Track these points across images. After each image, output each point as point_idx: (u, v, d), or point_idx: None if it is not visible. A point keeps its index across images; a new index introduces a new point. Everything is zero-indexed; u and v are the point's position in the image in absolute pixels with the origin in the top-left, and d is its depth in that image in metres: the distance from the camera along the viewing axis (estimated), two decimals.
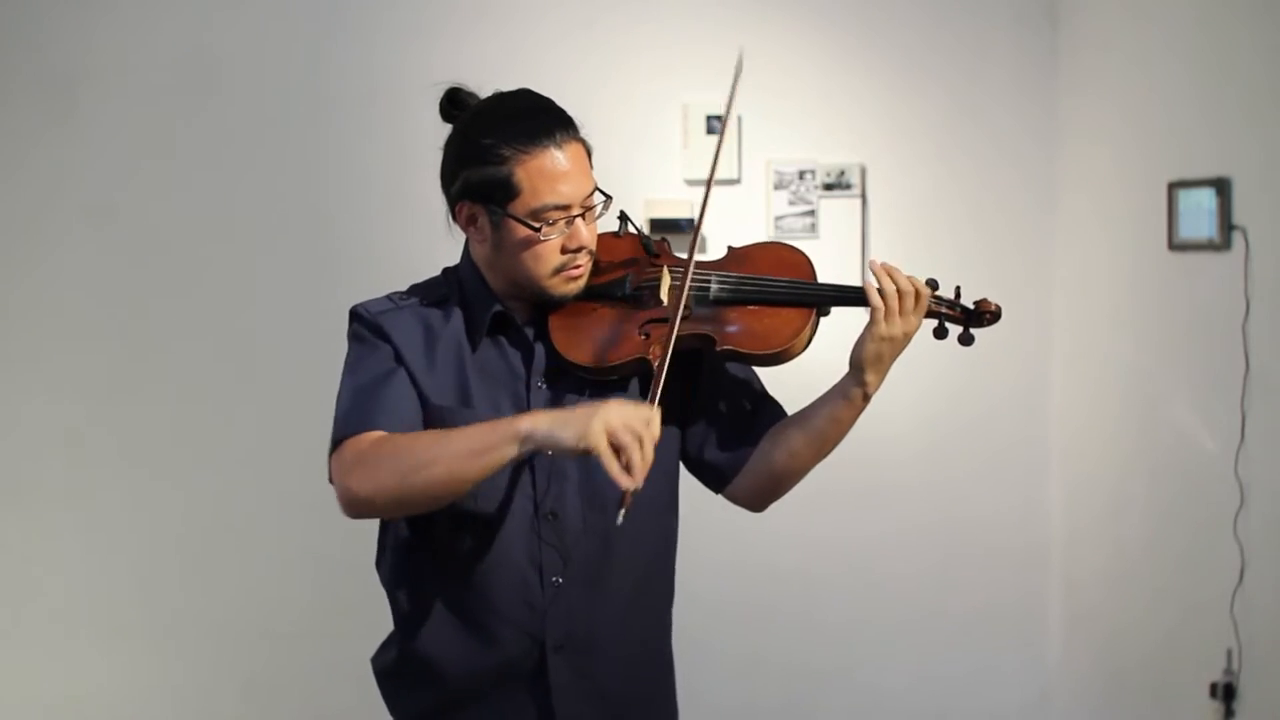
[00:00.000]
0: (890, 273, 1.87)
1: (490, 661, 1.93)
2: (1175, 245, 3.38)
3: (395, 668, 2.00)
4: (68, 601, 3.82)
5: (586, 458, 1.84)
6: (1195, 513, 3.37)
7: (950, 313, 1.94)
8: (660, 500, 1.99)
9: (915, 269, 3.98)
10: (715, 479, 2.03)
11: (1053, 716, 3.98)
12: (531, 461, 1.89)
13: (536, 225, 1.84)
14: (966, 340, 1.95)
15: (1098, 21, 3.74)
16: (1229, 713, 3.25)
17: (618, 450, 1.67)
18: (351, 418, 1.85)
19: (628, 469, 1.67)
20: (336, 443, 1.85)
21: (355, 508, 1.81)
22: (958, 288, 1.97)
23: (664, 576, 2.05)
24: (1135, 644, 3.63)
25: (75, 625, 3.83)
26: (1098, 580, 3.80)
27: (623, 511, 1.71)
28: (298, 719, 3.87)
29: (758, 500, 2.03)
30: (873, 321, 1.86)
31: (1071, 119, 3.84)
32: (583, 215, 1.87)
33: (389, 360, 1.90)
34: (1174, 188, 3.36)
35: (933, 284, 1.93)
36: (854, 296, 1.89)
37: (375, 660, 2.05)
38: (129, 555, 3.81)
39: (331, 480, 1.85)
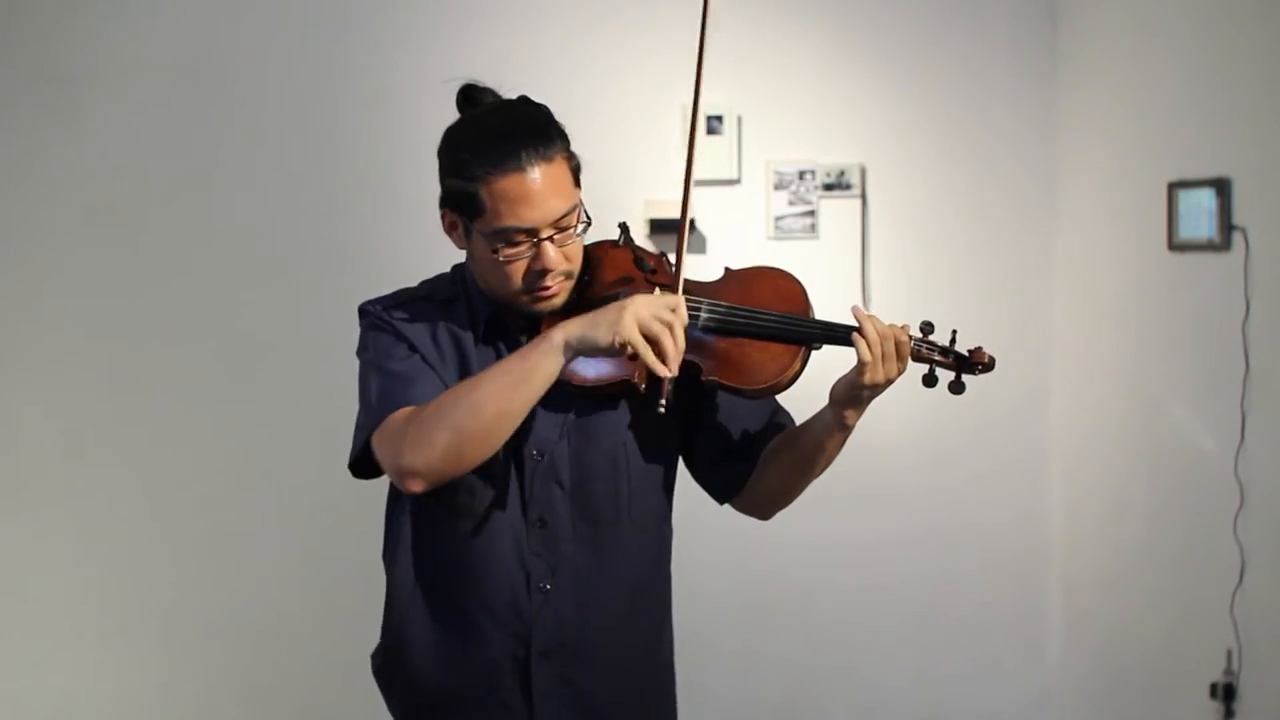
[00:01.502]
0: (871, 319, 1.85)
1: (476, 664, 1.94)
2: (1175, 245, 3.38)
3: (385, 664, 2.02)
4: (67, 602, 3.82)
5: (581, 465, 1.88)
6: (1195, 513, 3.37)
7: (942, 360, 1.91)
8: (654, 512, 2.01)
9: (914, 269, 4.03)
10: (719, 491, 2.05)
11: (1052, 717, 3.98)
12: (521, 464, 1.90)
13: (497, 246, 1.83)
14: (957, 389, 1.92)
15: (1098, 21, 3.74)
16: (1229, 713, 3.25)
17: (651, 341, 1.71)
18: (386, 398, 1.85)
19: (663, 359, 1.71)
20: (375, 425, 1.84)
21: (417, 479, 1.79)
22: (954, 332, 1.93)
23: (659, 587, 2.05)
24: (1135, 644, 3.63)
25: (75, 625, 3.82)
26: (1097, 580, 3.80)
27: (663, 401, 1.74)
28: (297, 719, 3.88)
29: (761, 511, 2.05)
30: (857, 371, 1.84)
31: (1071, 119, 3.84)
32: (551, 238, 1.84)
33: (404, 346, 1.91)
34: (1174, 188, 3.36)
35: (927, 327, 1.92)
36: (843, 337, 1.86)
37: (373, 658, 2.06)
38: (128, 555, 3.81)
39: (361, 470, 1.89)
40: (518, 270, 1.85)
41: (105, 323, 3.78)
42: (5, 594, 3.81)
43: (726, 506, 2.09)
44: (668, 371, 1.71)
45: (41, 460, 3.79)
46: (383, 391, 1.86)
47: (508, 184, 1.81)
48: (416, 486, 1.79)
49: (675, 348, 1.72)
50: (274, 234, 3.80)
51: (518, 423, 1.78)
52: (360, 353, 1.95)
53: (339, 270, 3.76)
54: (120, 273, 3.77)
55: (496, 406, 1.75)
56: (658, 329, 1.71)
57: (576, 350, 1.74)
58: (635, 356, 1.82)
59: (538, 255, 1.84)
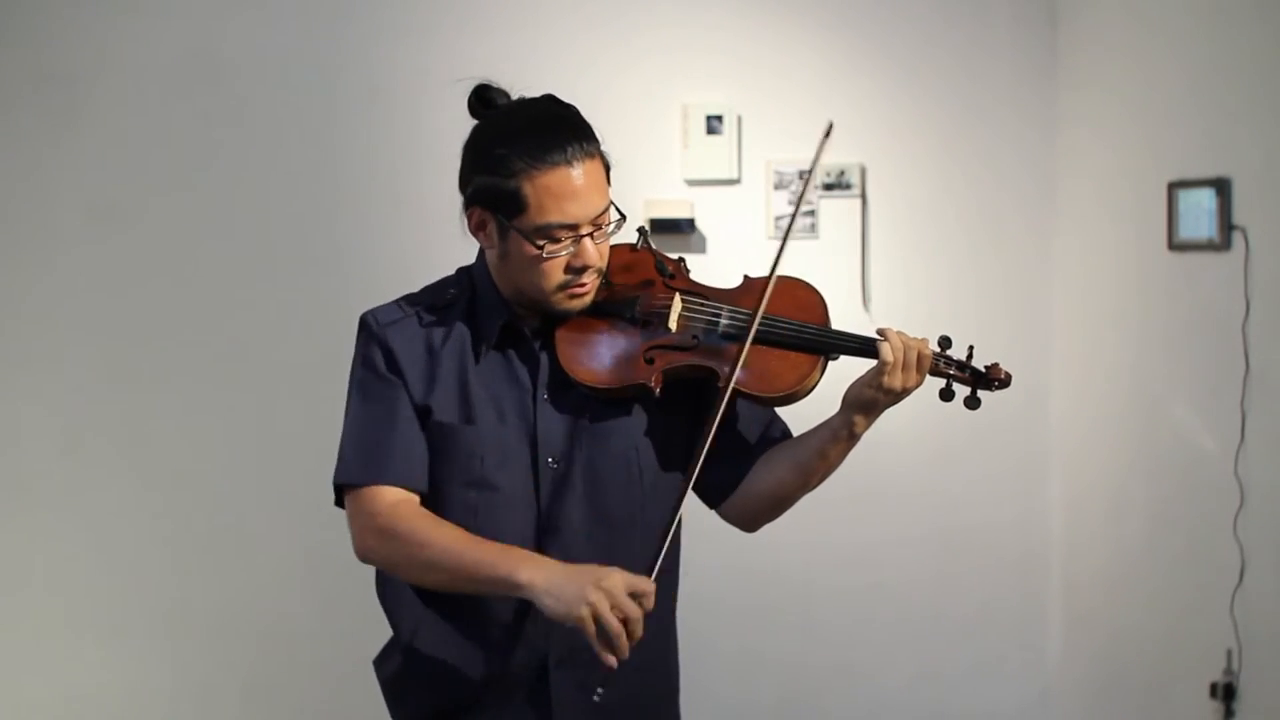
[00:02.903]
0: (899, 333, 1.87)
1: (491, 673, 1.93)
2: (1175, 245, 3.38)
3: (396, 675, 2.00)
4: (67, 601, 3.82)
5: (594, 470, 1.89)
6: (1195, 513, 3.37)
7: (959, 375, 1.92)
8: (667, 515, 1.99)
9: (915, 269, 4.02)
10: (710, 496, 2.03)
11: (1053, 716, 3.97)
12: (536, 471, 1.90)
13: (540, 243, 1.82)
14: (973, 404, 1.93)
15: (1098, 21, 3.74)
16: (1229, 713, 3.25)
17: (600, 630, 1.70)
18: (363, 462, 1.89)
19: (610, 648, 1.70)
20: (349, 486, 1.90)
21: (365, 562, 1.91)
22: (970, 348, 1.95)
23: (669, 590, 2.05)
24: (1135, 644, 3.63)
25: (75, 625, 3.83)
26: (1097, 580, 3.79)
27: (599, 690, 1.75)
28: (297, 719, 3.87)
29: (749, 521, 2.04)
30: (876, 372, 1.85)
31: (1071, 119, 3.84)
32: (591, 234, 1.84)
33: (396, 389, 1.90)
34: (1174, 188, 3.36)
35: (945, 342, 1.93)
36: (863, 348, 1.87)
37: (378, 666, 2.05)
38: (129, 555, 3.81)
39: (339, 504, 1.94)
40: (557, 267, 1.84)
41: (105, 322, 3.78)
42: (6, 593, 3.81)
43: None
44: (612, 661, 1.71)
45: (41, 460, 3.79)
46: (358, 451, 1.90)
47: (552, 179, 1.80)
48: (360, 559, 1.92)
49: (627, 641, 1.71)
50: (274, 233, 3.80)
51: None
52: (352, 371, 1.95)
53: (339, 269, 3.76)
54: (120, 272, 3.77)
55: (447, 581, 1.84)
56: (613, 625, 1.70)
57: (528, 599, 1.75)
58: (652, 364, 1.86)
59: (577, 252, 1.84)
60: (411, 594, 1.96)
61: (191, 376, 3.80)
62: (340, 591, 3.69)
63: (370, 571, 2.04)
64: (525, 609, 1.90)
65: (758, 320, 1.84)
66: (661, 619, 2.05)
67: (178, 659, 3.84)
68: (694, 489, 2.04)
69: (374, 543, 1.87)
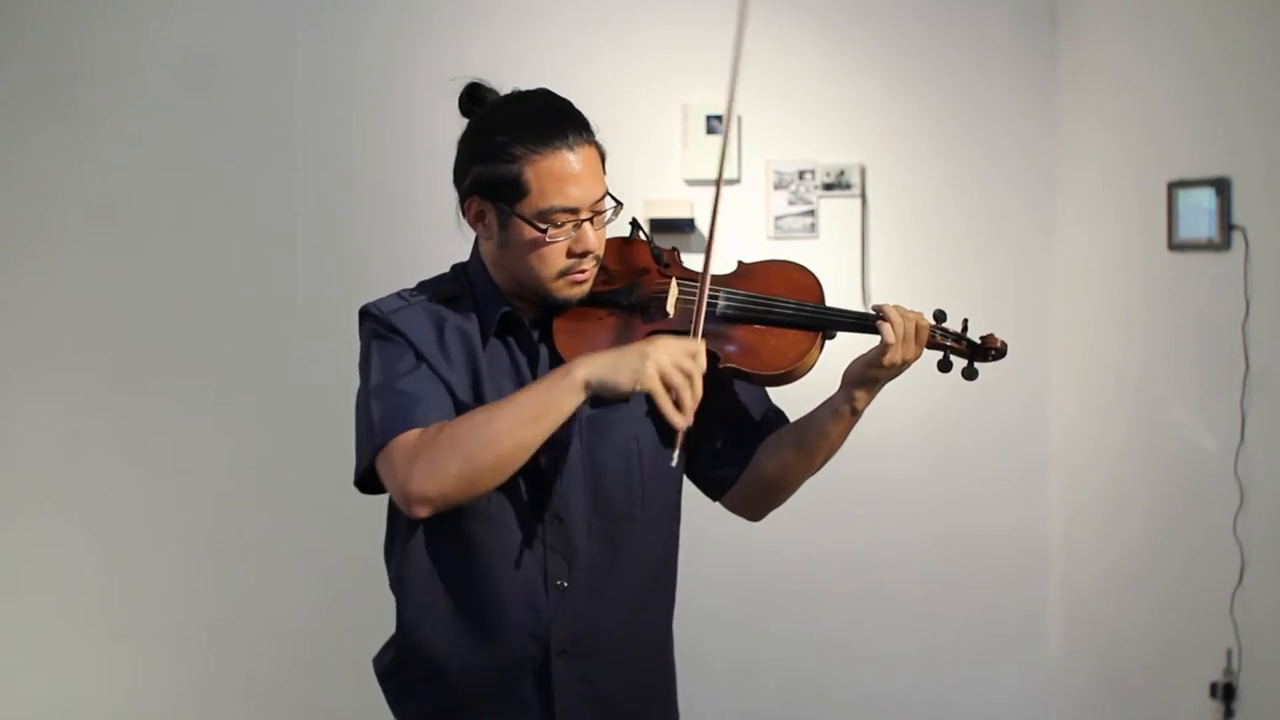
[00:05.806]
0: (896, 308, 1.89)
1: (493, 663, 1.93)
2: (1175, 245, 3.38)
3: (396, 668, 2.00)
4: (68, 601, 3.82)
5: (595, 460, 1.88)
6: (1195, 513, 3.37)
7: (956, 346, 1.94)
8: (665, 506, 2.01)
9: (914, 269, 4.02)
10: (712, 486, 2.05)
11: (1052, 716, 3.97)
12: (539, 464, 1.89)
13: (543, 227, 1.83)
14: (970, 374, 1.95)
15: (1097, 21, 3.74)
16: (1229, 713, 3.25)
17: (669, 389, 1.72)
18: (390, 419, 1.81)
19: (679, 407, 1.72)
20: (380, 447, 1.81)
21: (425, 505, 1.77)
22: (965, 320, 1.97)
23: (667, 582, 2.06)
24: (1135, 644, 3.63)
25: (75, 625, 3.83)
26: (1097, 580, 3.79)
27: (676, 452, 1.75)
28: (297, 719, 3.87)
29: (753, 509, 2.05)
30: (879, 349, 1.87)
31: (1071, 118, 3.84)
32: (591, 220, 1.85)
33: (410, 357, 1.88)
34: (1174, 188, 3.36)
35: (940, 315, 1.95)
36: (861, 323, 1.89)
37: (376, 661, 2.04)
38: (129, 555, 3.81)
39: (368, 487, 1.86)
40: (558, 252, 1.85)
41: (105, 321, 3.78)
42: (6, 593, 3.81)
43: (725, 516, 2.09)
44: (683, 423, 1.72)
45: (41, 460, 3.79)
46: (387, 411, 1.82)
47: (554, 162, 1.82)
48: (423, 512, 1.77)
49: (694, 398, 1.72)
50: (275, 233, 3.80)
51: (531, 453, 1.78)
52: (362, 363, 1.91)
53: (339, 269, 3.76)
54: (120, 272, 3.77)
55: (514, 440, 1.75)
56: (678, 380, 1.72)
57: (596, 391, 1.74)
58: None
59: (578, 237, 1.85)
60: (416, 581, 1.95)
61: (191, 376, 3.80)
62: (341, 591, 3.72)
63: (375, 569, 2.03)
64: (529, 598, 1.90)
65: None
66: (662, 612, 2.05)
67: (178, 659, 3.84)
68: (695, 482, 2.06)
69: (421, 472, 1.74)
